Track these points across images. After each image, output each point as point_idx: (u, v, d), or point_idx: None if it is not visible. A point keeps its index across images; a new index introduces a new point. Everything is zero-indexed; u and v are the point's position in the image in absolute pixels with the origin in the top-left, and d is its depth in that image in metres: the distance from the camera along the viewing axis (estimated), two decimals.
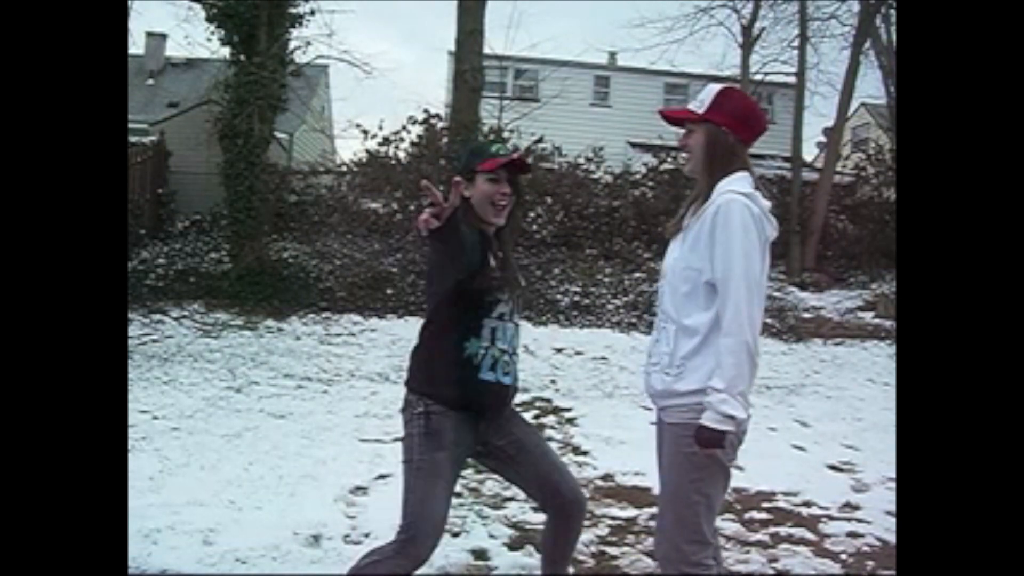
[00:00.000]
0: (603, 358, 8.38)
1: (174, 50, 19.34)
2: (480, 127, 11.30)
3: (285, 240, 11.31)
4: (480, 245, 2.25)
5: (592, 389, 7.19)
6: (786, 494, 4.36)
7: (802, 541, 3.71)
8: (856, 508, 4.22)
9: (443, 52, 21.82)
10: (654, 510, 2.37)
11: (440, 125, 12.02)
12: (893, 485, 4.43)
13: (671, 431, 2.16)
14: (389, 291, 9.92)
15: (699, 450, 2.03)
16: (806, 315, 10.80)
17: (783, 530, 3.82)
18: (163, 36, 20.74)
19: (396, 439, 4.91)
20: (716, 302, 2.06)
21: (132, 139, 11.55)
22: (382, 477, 4.34)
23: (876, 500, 4.30)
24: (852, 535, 3.80)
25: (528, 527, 3.66)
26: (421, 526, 2.22)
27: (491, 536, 3.54)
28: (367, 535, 3.50)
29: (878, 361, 9.10)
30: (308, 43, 11.42)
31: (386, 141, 12.08)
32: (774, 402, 7.00)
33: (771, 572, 3.36)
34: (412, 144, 12.05)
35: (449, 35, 11.13)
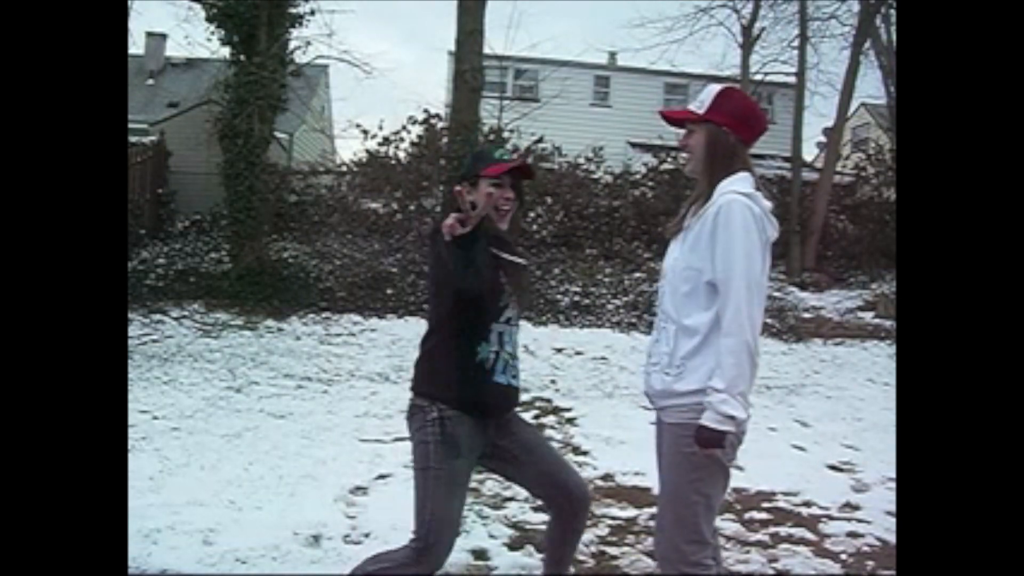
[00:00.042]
0: (603, 358, 8.38)
1: (174, 50, 19.35)
2: (480, 127, 11.30)
3: (285, 240, 11.32)
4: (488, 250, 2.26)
5: (592, 389, 7.19)
6: (786, 494, 4.36)
7: (802, 541, 3.71)
8: (856, 508, 4.22)
9: (443, 52, 21.83)
10: (654, 510, 2.37)
11: (440, 125, 12.02)
12: (893, 485, 4.43)
13: (670, 431, 2.16)
14: (389, 291, 9.92)
15: (698, 450, 2.03)
16: (806, 315, 10.80)
17: (783, 530, 3.82)
18: (163, 36, 20.74)
19: (396, 439, 4.97)
20: (716, 302, 2.06)
21: (132, 139, 11.55)
22: (382, 477, 4.35)
23: (876, 500, 4.30)
24: (852, 535, 3.80)
25: (528, 527, 3.66)
26: (440, 534, 2.22)
27: (491, 536, 3.54)
28: (367, 535, 3.51)
29: (878, 361, 9.10)
30: (308, 43, 11.45)
31: (386, 141, 12.09)
32: (774, 402, 7.00)
33: (771, 572, 3.36)
34: (412, 144, 12.05)
35: (449, 35, 11.14)
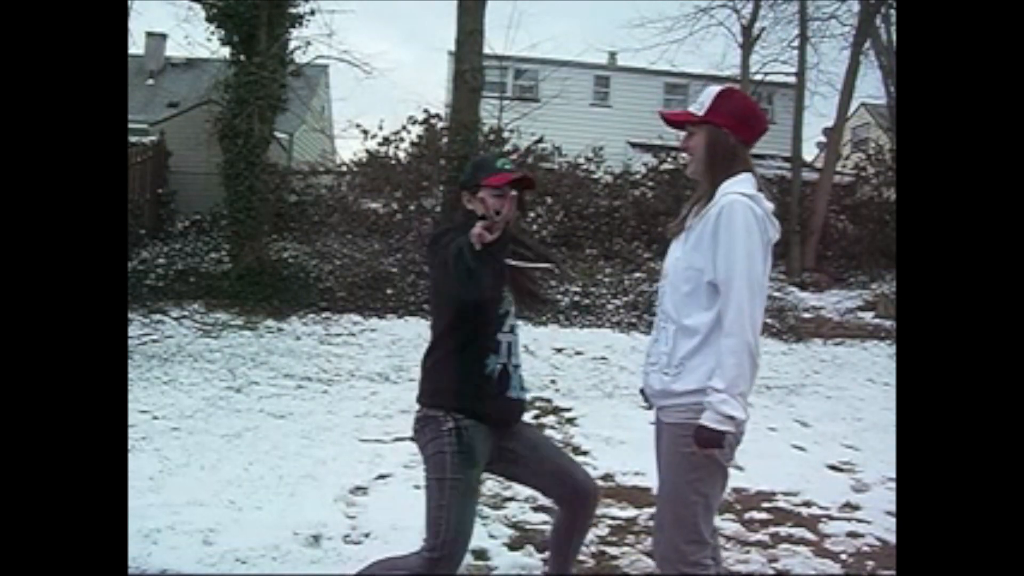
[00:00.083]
0: (603, 358, 8.38)
1: (174, 50, 19.33)
2: (480, 127, 11.30)
3: (285, 240, 11.32)
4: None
5: (592, 389, 7.19)
6: (786, 494, 4.36)
7: (802, 541, 3.71)
8: (856, 508, 4.22)
9: (443, 52, 21.81)
10: (654, 510, 2.37)
11: (440, 125, 12.03)
12: (893, 485, 4.43)
13: (669, 431, 2.16)
14: (389, 291, 9.93)
15: (697, 450, 2.03)
16: (806, 315, 10.81)
17: (783, 530, 3.82)
18: (163, 36, 20.72)
19: (396, 439, 4.97)
20: (717, 302, 2.06)
21: (132, 139, 11.55)
22: (382, 477, 4.35)
23: (876, 500, 4.30)
24: (852, 535, 3.79)
25: (528, 527, 3.67)
26: (456, 545, 2.23)
27: (491, 536, 3.54)
28: (367, 535, 3.51)
29: (878, 361, 9.10)
30: (308, 43, 11.45)
31: (386, 141, 12.09)
32: (774, 402, 7.00)
33: (771, 572, 3.36)
34: (412, 144, 12.06)
35: (449, 35, 11.14)
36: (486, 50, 11.12)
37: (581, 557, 3.30)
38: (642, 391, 2.35)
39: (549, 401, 6.56)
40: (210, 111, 10.97)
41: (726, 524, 3.79)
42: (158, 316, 8.92)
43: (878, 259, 12.93)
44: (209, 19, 10.37)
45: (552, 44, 27.14)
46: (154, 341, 7.99)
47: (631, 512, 3.95)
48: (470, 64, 10.71)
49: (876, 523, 3.95)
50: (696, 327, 2.09)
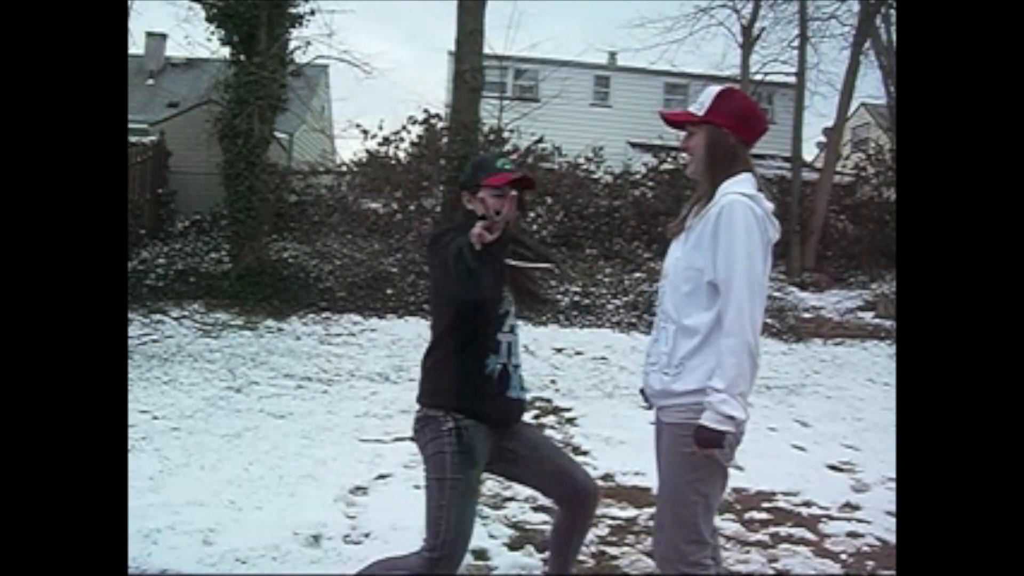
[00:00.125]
0: (603, 358, 8.38)
1: (174, 50, 19.33)
2: (480, 127, 11.30)
3: (285, 240, 11.32)
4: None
5: (592, 389, 7.19)
6: (786, 494, 4.36)
7: (802, 541, 3.71)
8: (856, 508, 4.22)
9: (443, 52, 21.83)
10: (654, 510, 2.37)
11: (440, 125, 12.03)
12: (893, 485, 4.43)
13: (669, 431, 2.16)
14: (389, 291, 9.93)
15: (697, 450, 2.03)
16: (806, 315, 10.81)
17: (783, 530, 3.82)
18: (163, 36, 20.73)
19: (396, 439, 4.97)
20: (717, 302, 2.06)
21: (132, 139, 11.55)
22: (382, 477, 4.35)
23: (876, 500, 4.30)
24: (852, 535, 3.79)
25: (528, 527, 3.67)
26: (457, 544, 2.23)
27: (491, 536, 3.54)
28: (367, 535, 3.51)
29: (878, 361, 9.10)
30: (308, 43, 11.46)
31: (386, 141, 12.10)
32: (774, 402, 7.00)
33: (771, 572, 3.36)
34: (412, 144, 12.06)
35: (449, 35, 11.14)
36: (486, 50, 11.12)
37: (581, 557, 3.30)
38: (642, 391, 2.36)
39: (549, 401, 6.56)
40: (210, 111, 10.97)
41: (726, 524, 3.79)
42: (158, 316, 8.92)
43: (878, 259, 12.93)
44: (209, 19, 10.37)
45: (552, 44, 27.18)
46: (154, 341, 7.99)
47: (631, 512, 3.95)
48: (470, 64, 10.71)
49: (876, 523, 3.95)
50: (696, 327, 2.09)
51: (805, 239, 12.96)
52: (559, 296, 10.11)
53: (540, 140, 12.41)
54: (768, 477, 4.50)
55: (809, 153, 18.97)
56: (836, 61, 29.24)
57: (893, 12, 13.70)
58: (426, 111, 12.25)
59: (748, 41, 14.63)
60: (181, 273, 10.18)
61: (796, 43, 14.24)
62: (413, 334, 8.66)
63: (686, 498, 2.11)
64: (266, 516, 3.66)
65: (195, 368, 7.05)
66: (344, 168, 13.22)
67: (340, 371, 7.34)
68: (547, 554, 3.15)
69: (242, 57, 10.24)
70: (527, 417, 2.64)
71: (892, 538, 3.69)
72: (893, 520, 3.86)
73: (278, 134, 12.29)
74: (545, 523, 3.64)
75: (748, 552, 3.53)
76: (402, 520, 3.52)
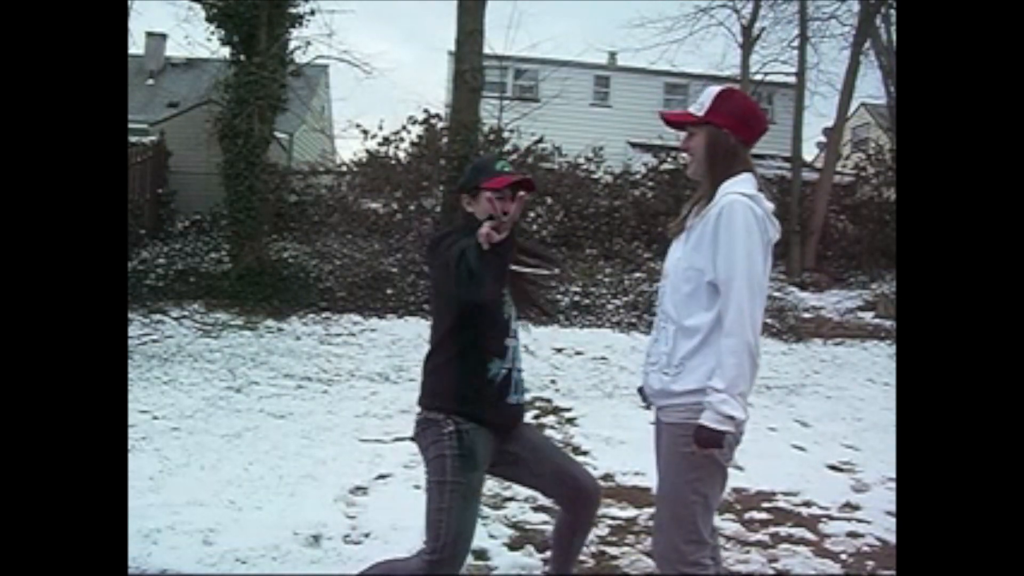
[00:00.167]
0: (603, 358, 8.38)
1: (174, 50, 19.34)
2: (480, 127, 11.30)
3: (285, 240, 11.32)
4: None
5: (592, 389, 7.19)
6: (786, 494, 4.36)
7: (802, 541, 3.71)
8: (856, 508, 4.22)
9: (443, 52, 21.84)
10: (654, 510, 2.37)
11: (440, 125, 12.03)
12: (893, 485, 4.43)
13: (669, 431, 2.16)
14: (389, 291, 9.93)
15: (696, 450, 2.03)
16: (806, 315, 10.81)
17: (783, 530, 3.82)
18: (163, 36, 20.74)
19: (396, 439, 4.97)
20: (718, 303, 2.06)
21: (132, 139, 11.55)
22: (382, 477, 4.35)
23: (876, 500, 4.30)
24: (852, 535, 3.79)
25: (528, 527, 3.67)
26: (457, 548, 2.23)
27: (491, 536, 3.54)
28: (367, 535, 3.51)
29: (878, 361, 9.10)
30: (308, 43, 11.46)
31: (386, 141, 12.10)
32: (774, 402, 7.00)
33: (771, 572, 3.36)
34: (412, 144, 12.06)
35: (449, 35, 11.14)
36: (486, 50, 11.12)
37: (581, 557, 3.30)
38: (640, 390, 2.36)
39: (549, 401, 6.56)
40: (210, 111, 10.97)
41: (726, 524, 3.79)
42: (158, 316, 8.92)
43: (878, 259, 12.94)
44: (209, 19, 10.37)
45: (552, 44, 27.24)
46: (154, 341, 7.99)
47: (631, 512, 3.95)
48: (470, 64, 10.71)
49: (876, 523, 3.95)
50: (696, 327, 2.09)
51: (805, 239, 12.96)
52: (559, 296, 10.12)
53: (540, 140, 12.41)
54: (768, 477, 4.50)
55: (809, 153, 19.01)
56: (836, 61, 29.33)
57: (893, 12, 13.70)
58: (426, 111, 12.26)
59: (748, 41, 14.64)
60: (181, 273, 10.18)
61: (796, 43, 14.27)
62: (413, 334, 8.66)
63: (685, 498, 2.12)
64: (266, 516, 3.66)
65: (195, 368, 7.05)
66: (344, 168, 13.23)
67: (340, 371, 7.34)
68: (547, 554, 3.16)
69: (242, 57, 10.24)
70: (527, 417, 2.64)
71: (892, 538, 3.70)
72: (893, 520, 3.86)
73: (278, 134, 12.30)
74: (545, 523, 3.64)
75: (748, 552, 3.53)
76: (402, 520, 3.52)
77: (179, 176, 12.52)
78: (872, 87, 34.11)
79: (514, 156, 11.83)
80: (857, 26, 13.78)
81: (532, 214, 11.65)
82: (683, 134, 2.27)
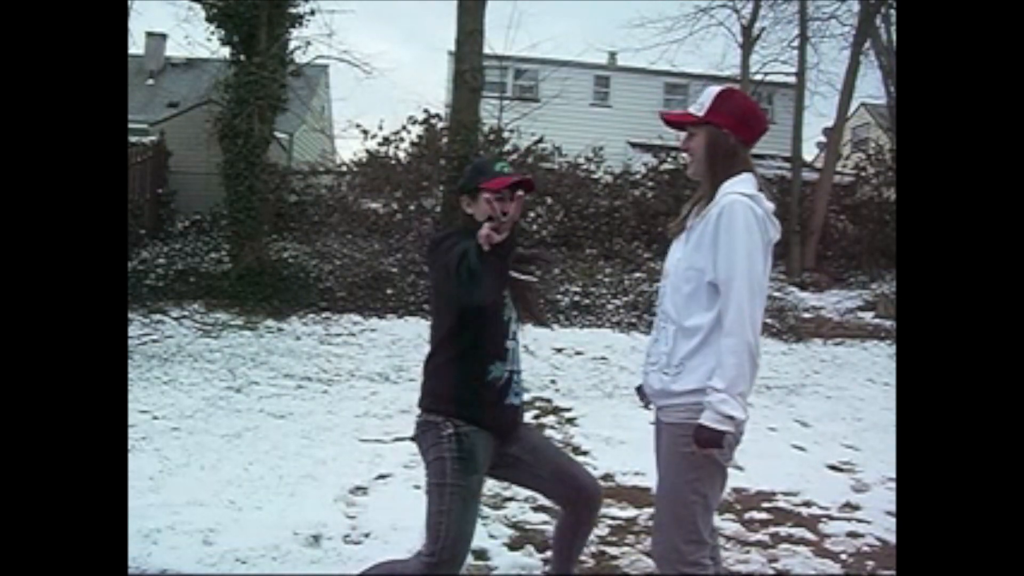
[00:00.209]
0: (603, 358, 8.38)
1: (174, 50, 19.35)
2: (480, 127, 11.30)
3: (285, 240, 11.32)
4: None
5: (592, 389, 7.19)
6: (786, 494, 4.36)
7: (802, 541, 3.71)
8: (856, 508, 4.22)
9: (443, 52, 21.86)
10: (654, 510, 2.37)
11: (440, 125, 12.03)
12: (893, 485, 4.43)
13: (668, 431, 2.16)
14: (389, 291, 9.93)
15: (696, 450, 2.03)
16: (806, 315, 10.81)
17: (783, 530, 3.82)
18: (163, 36, 20.75)
19: (396, 439, 4.97)
20: (718, 303, 2.07)
21: (132, 139, 11.55)
22: (382, 477, 4.35)
23: (876, 500, 4.30)
24: (852, 535, 3.79)
25: (528, 527, 3.67)
26: (456, 550, 2.23)
27: (491, 536, 3.54)
28: (367, 535, 3.51)
29: (878, 361, 9.10)
30: (308, 43, 11.46)
31: (386, 141, 12.10)
32: (774, 402, 7.00)
33: (771, 572, 3.36)
34: (412, 144, 12.07)
35: (449, 35, 11.14)
36: (486, 50, 11.12)
37: (581, 557, 3.30)
38: (638, 389, 2.36)
39: (549, 401, 6.56)
40: (210, 111, 10.97)
41: (726, 524, 3.79)
42: (158, 316, 8.92)
43: (878, 259, 12.94)
44: (209, 19, 10.37)
45: (552, 44, 27.25)
46: (154, 341, 7.99)
47: (631, 512, 3.95)
48: (470, 64, 10.71)
49: (876, 523, 3.95)
50: (696, 327, 2.09)
51: (805, 239, 12.96)
52: (559, 296, 10.12)
53: (540, 140, 12.41)
54: (768, 477, 4.50)
55: (809, 153, 19.01)
56: (836, 61, 29.35)
57: (893, 12, 13.70)
58: (426, 111, 12.26)
59: (748, 41, 14.63)
60: (181, 273, 10.18)
61: (796, 43, 14.27)
62: (413, 334, 8.66)
63: (685, 498, 2.12)
64: (266, 516, 3.66)
65: (195, 368, 7.05)
66: (344, 168, 13.23)
67: (340, 371, 7.34)
68: (547, 554, 3.16)
69: (242, 57, 10.24)
70: (527, 418, 2.64)
71: (892, 538, 3.69)
72: (893, 520, 3.86)
73: (278, 134, 12.30)
74: (545, 523, 3.64)
75: (748, 552, 3.53)
76: (402, 520, 3.52)
77: (179, 176, 12.52)
78: (872, 87, 34.15)
79: (514, 156, 11.83)
80: (857, 26, 13.78)
81: (532, 214, 11.66)
82: (683, 134, 2.27)
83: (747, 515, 3.99)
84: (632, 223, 12.30)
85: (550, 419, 6.01)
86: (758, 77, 15.66)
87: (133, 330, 8.15)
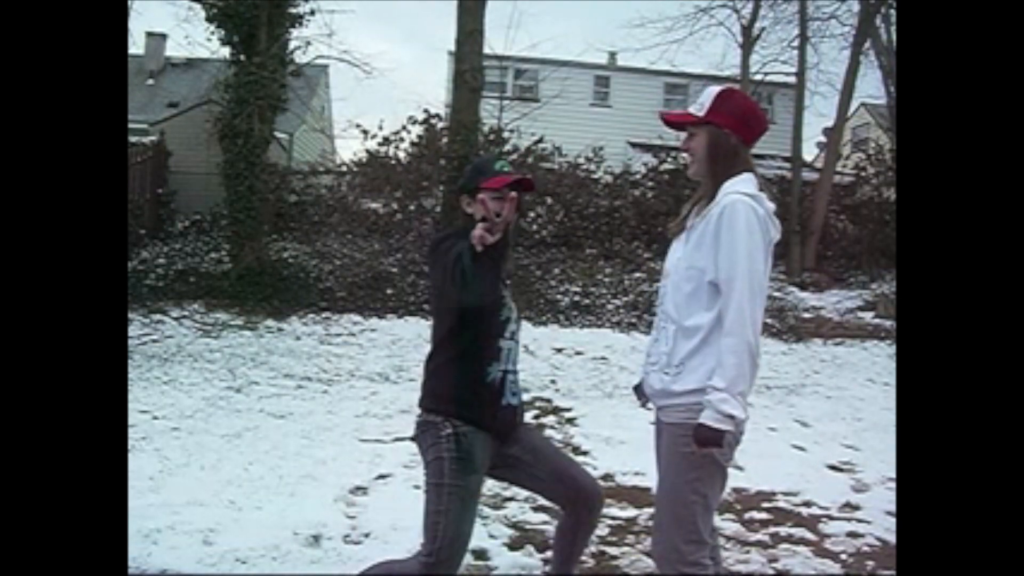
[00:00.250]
0: (603, 358, 8.38)
1: (174, 50, 19.36)
2: (480, 127, 11.30)
3: (285, 240, 11.32)
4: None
5: (592, 389, 7.19)
6: (786, 494, 4.36)
7: (802, 541, 3.71)
8: (856, 508, 4.22)
9: (443, 52, 21.87)
10: (654, 510, 2.37)
11: (440, 125, 12.03)
12: (893, 485, 4.43)
13: (669, 431, 2.16)
14: (389, 291, 9.93)
15: (696, 449, 2.03)
16: (806, 315, 10.81)
17: (783, 530, 3.82)
18: (163, 36, 20.75)
19: (396, 439, 4.97)
20: (718, 302, 2.07)
21: (132, 139, 11.55)
22: (382, 477, 4.35)
23: (876, 500, 4.30)
24: (852, 535, 3.79)
25: (528, 527, 3.67)
26: (454, 550, 2.23)
27: (491, 536, 3.54)
28: (367, 535, 3.51)
29: (878, 361, 9.10)
30: (308, 43, 11.47)
31: (386, 141, 12.10)
32: (774, 402, 7.00)
33: (771, 572, 3.36)
34: (412, 144, 12.06)
35: (449, 35, 11.14)
36: (486, 50, 11.12)
37: (581, 557, 3.31)
38: (635, 388, 2.36)
39: (549, 401, 6.56)
40: (210, 111, 10.97)
41: (726, 524, 3.79)
42: (158, 316, 8.92)
43: (878, 259, 12.94)
44: (209, 19, 10.38)
45: (552, 44, 27.20)
46: (154, 341, 7.99)
47: (631, 512, 3.95)
48: (470, 64, 10.71)
49: (876, 523, 3.95)
50: (697, 327, 2.09)
51: (805, 239, 12.96)
52: (559, 296, 10.12)
53: (540, 140, 12.41)
54: (768, 477, 4.50)
55: (809, 153, 19.01)
56: (836, 61, 29.36)
57: (893, 12, 13.70)
58: (426, 111, 12.26)
59: (748, 41, 14.63)
60: (181, 273, 10.18)
61: (796, 43, 14.26)
62: (413, 334, 8.66)
63: (685, 498, 2.12)
64: (266, 516, 3.66)
65: (195, 368, 7.05)
66: (344, 168, 13.23)
67: (340, 371, 7.34)
68: (547, 554, 3.16)
69: (242, 57, 10.24)
70: (527, 418, 2.64)
71: (892, 538, 3.70)
72: (893, 520, 3.86)
73: (278, 134, 12.30)
74: (545, 523, 3.64)
75: (748, 552, 3.53)
76: (402, 520, 3.52)
77: (179, 176, 12.52)
78: (872, 87, 34.16)
79: (514, 156, 11.83)
80: (857, 26, 13.78)
81: (532, 214, 11.66)
82: (683, 134, 2.27)
83: (747, 515, 3.99)
84: (632, 223, 12.30)
85: (550, 419, 6.01)
86: (758, 77, 15.66)
87: (133, 330, 8.15)
